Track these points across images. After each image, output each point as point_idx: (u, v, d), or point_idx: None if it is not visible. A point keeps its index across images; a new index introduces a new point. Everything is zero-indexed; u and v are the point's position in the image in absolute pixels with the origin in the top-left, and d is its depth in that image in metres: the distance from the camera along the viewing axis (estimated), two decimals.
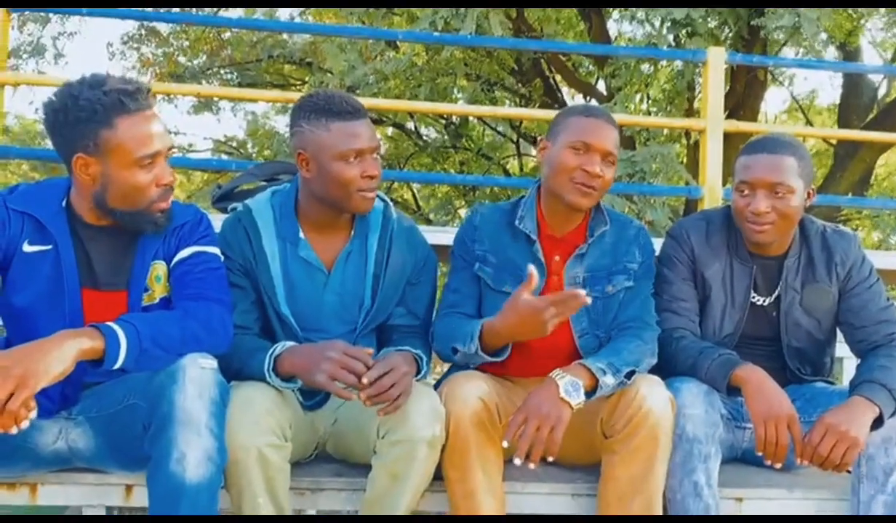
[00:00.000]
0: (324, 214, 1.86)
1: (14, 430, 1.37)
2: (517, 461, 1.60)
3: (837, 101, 7.76)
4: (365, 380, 1.57)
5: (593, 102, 8.63)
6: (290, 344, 1.72)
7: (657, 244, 2.11)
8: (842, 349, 2.13)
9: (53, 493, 1.75)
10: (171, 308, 1.70)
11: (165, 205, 1.67)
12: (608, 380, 1.67)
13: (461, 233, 2.02)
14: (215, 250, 1.77)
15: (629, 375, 1.72)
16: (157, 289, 1.72)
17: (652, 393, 1.70)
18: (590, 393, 1.67)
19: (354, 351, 1.60)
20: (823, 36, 6.47)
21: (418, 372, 1.77)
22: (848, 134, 5.69)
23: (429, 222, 9.94)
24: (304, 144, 1.80)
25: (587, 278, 1.94)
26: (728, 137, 3.49)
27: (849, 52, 6.91)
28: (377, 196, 1.93)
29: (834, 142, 7.97)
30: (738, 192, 1.93)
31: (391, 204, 1.97)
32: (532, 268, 1.60)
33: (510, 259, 1.94)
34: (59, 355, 1.40)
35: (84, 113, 1.56)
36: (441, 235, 2.60)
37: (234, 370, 1.72)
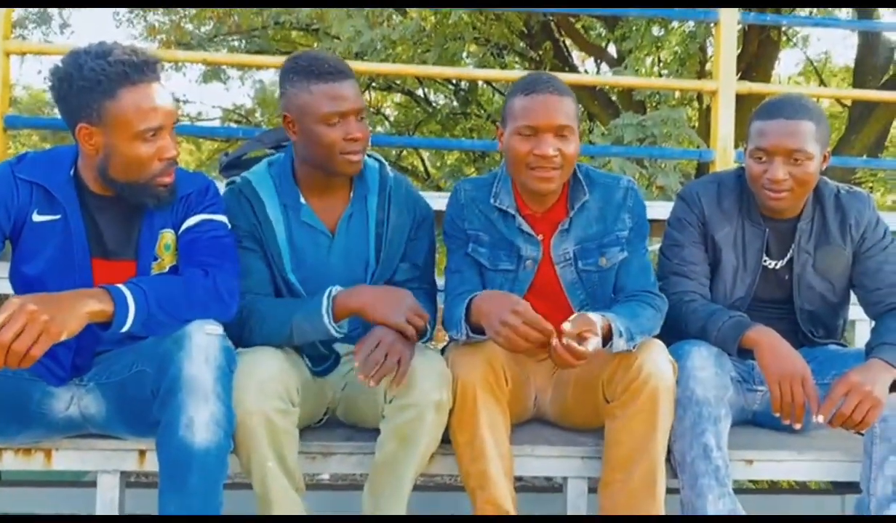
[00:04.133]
0: (318, 178, 1.85)
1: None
2: None
3: (852, 63, 7.62)
4: (356, 363, 1.61)
5: (603, 66, 8.53)
6: (339, 288, 1.73)
7: (668, 208, 2.08)
8: (854, 312, 2.12)
9: (68, 458, 1.78)
10: (179, 275, 1.70)
11: (168, 179, 1.65)
12: (620, 344, 1.66)
13: (450, 213, 1.96)
14: (222, 218, 1.76)
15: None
16: (167, 258, 1.72)
17: (651, 357, 1.69)
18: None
19: (419, 307, 1.68)
20: None
21: (424, 334, 1.77)
22: (863, 94, 5.59)
23: (439, 189, 9.90)
24: (289, 107, 1.79)
25: (577, 252, 1.90)
26: (740, 99, 3.44)
27: (864, 11, 6.76)
28: (372, 157, 1.92)
29: (848, 103, 7.85)
30: (754, 159, 1.88)
31: (386, 164, 1.96)
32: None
33: (503, 236, 1.90)
34: (77, 313, 1.41)
35: (88, 82, 1.54)
36: None
37: (256, 332, 1.72)
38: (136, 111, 1.57)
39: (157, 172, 1.63)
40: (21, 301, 1.37)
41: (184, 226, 1.72)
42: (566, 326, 1.59)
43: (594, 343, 1.60)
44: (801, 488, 3.14)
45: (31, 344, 1.35)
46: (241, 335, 1.73)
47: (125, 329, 1.48)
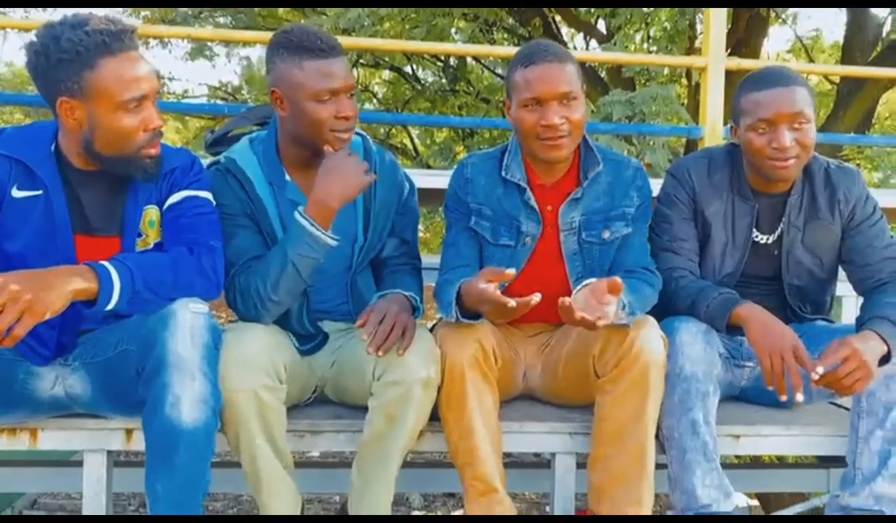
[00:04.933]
0: (303, 154, 1.83)
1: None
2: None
3: (841, 40, 7.60)
4: (364, 336, 1.62)
5: (592, 43, 8.48)
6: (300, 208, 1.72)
7: (657, 186, 2.08)
8: (841, 288, 2.12)
9: (54, 438, 1.77)
10: (164, 252, 1.68)
11: (155, 151, 1.63)
12: (622, 316, 1.65)
13: (453, 185, 1.96)
14: (207, 195, 1.74)
15: None
16: (151, 235, 1.70)
17: (643, 333, 1.69)
18: None
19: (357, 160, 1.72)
20: None
21: (414, 311, 1.76)
22: (851, 70, 5.59)
23: (428, 167, 9.84)
24: (278, 82, 1.76)
25: (583, 221, 1.90)
26: (730, 75, 3.43)
27: None
28: (355, 132, 1.91)
29: (837, 80, 7.85)
30: (756, 132, 1.85)
31: (369, 138, 1.95)
32: (512, 271, 1.59)
33: (505, 211, 1.90)
34: (61, 290, 1.40)
35: (66, 54, 1.51)
36: (443, 179, 2.57)
37: (261, 285, 1.72)
38: (118, 81, 1.54)
39: (143, 143, 1.60)
40: (3, 279, 1.35)
41: (168, 203, 1.70)
42: (578, 300, 1.60)
43: (612, 307, 1.59)
44: (785, 461, 3.17)
45: (13, 323, 1.33)
46: (245, 304, 1.74)
47: (110, 307, 1.46)
